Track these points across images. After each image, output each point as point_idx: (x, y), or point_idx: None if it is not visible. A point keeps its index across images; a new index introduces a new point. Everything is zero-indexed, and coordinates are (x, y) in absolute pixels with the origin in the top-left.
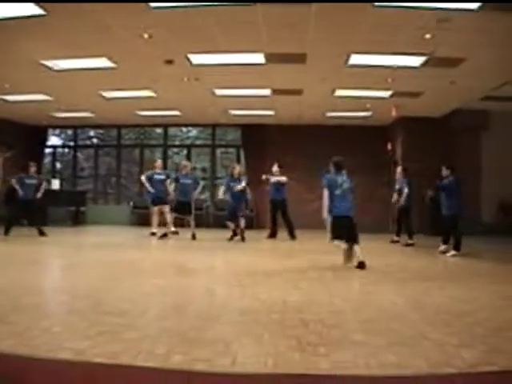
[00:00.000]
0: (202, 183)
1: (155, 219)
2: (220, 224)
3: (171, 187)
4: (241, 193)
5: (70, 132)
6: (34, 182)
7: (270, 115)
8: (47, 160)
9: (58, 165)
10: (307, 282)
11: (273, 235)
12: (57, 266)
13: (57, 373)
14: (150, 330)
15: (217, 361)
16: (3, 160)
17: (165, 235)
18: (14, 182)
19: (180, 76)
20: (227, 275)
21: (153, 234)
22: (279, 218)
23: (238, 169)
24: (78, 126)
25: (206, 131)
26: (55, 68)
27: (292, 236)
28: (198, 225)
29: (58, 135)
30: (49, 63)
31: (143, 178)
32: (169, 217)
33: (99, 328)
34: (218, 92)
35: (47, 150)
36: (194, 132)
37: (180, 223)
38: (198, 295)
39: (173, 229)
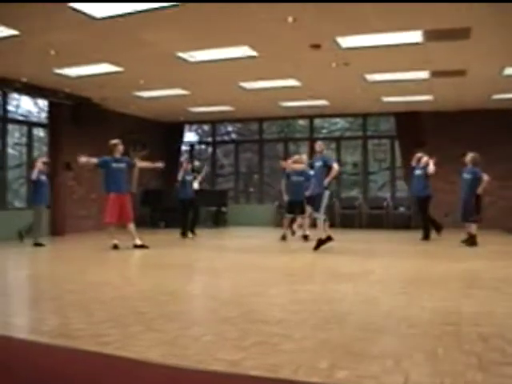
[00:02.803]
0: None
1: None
2: (374, 224)
3: (282, 186)
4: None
5: (207, 127)
6: (191, 178)
7: (427, 101)
8: (184, 157)
9: (196, 162)
10: (481, 289)
11: (427, 237)
12: (201, 269)
13: None
14: (308, 341)
15: (386, 378)
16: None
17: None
18: (179, 180)
19: (327, 61)
20: (387, 281)
21: (305, 237)
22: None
23: (468, 156)
24: (216, 121)
25: (356, 121)
26: (192, 60)
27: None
28: (350, 225)
29: (194, 131)
30: (185, 55)
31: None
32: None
33: (253, 338)
34: (370, 77)
35: (184, 147)
36: (342, 123)
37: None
38: (358, 303)
39: (307, 232)
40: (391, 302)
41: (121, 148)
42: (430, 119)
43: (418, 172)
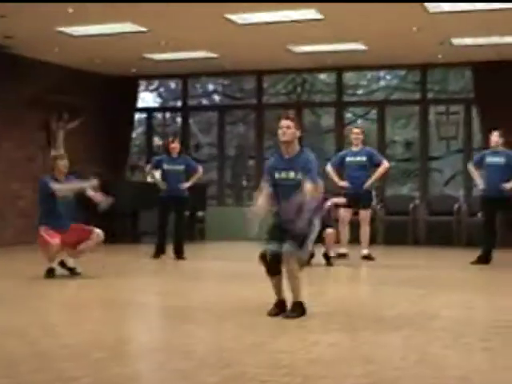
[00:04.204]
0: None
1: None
2: (438, 239)
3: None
4: None
5: (174, 85)
6: (180, 167)
7: None
8: (139, 132)
9: (157, 140)
10: None
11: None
12: (164, 309)
13: None
14: None
15: None
16: (65, 135)
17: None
18: (148, 169)
19: None
20: (459, 329)
21: (341, 255)
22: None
23: None
24: (188, 75)
25: (411, 77)
26: None
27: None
28: (400, 240)
29: (155, 91)
30: None
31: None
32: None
33: None
34: (433, 6)
35: (138, 116)
36: (388, 79)
37: None
38: (412, 364)
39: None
40: (465, 363)
41: (63, 165)
42: None
43: (497, 159)
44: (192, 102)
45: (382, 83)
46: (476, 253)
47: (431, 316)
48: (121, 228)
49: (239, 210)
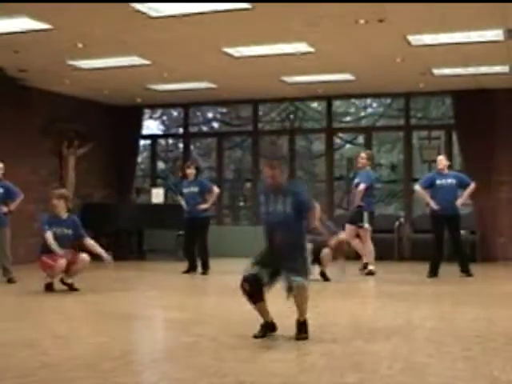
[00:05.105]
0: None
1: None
2: (422, 255)
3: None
4: None
5: (176, 113)
6: (195, 189)
7: (501, 73)
8: (144, 156)
9: (161, 164)
10: None
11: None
12: (168, 322)
13: None
14: None
15: None
16: (76, 160)
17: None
18: (178, 197)
19: (353, 16)
20: (442, 339)
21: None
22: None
23: None
24: (189, 104)
25: (396, 104)
26: (153, 14)
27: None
28: (386, 256)
29: (158, 119)
30: (143, 7)
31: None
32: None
33: None
34: (415, 39)
35: (142, 142)
36: (374, 106)
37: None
38: (398, 372)
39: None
40: (446, 371)
41: (55, 204)
42: (506, 101)
43: (449, 180)
44: (193, 129)
45: (369, 110)
46: (457, 267)
47: (415, 327)
48: (127, 246)
49: (236, 229)
